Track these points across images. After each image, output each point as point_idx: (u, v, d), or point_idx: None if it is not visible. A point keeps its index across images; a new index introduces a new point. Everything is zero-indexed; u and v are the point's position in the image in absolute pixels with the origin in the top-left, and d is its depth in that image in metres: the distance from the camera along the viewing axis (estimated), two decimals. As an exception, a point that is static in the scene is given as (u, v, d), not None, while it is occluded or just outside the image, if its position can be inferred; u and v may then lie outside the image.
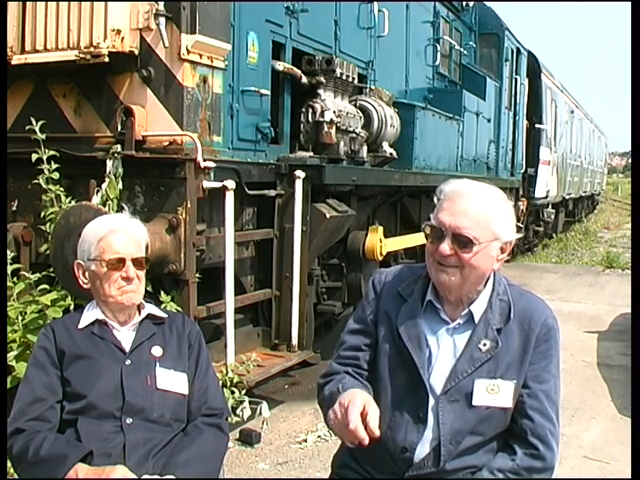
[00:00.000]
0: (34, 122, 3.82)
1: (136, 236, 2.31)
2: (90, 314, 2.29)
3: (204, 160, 3.94)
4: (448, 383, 1.94)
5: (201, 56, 4.02)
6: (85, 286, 2.31)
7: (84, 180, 3.96)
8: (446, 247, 1.90)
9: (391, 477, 1.99)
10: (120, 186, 3.86)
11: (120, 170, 3.86)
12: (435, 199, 1.98)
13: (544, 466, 1.95)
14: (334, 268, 5.80)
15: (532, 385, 1.97)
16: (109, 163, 3.85)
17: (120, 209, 3.75)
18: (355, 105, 6.00)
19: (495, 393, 1.94)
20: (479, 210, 1.90)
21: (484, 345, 1.95)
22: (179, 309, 3.80)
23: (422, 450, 1.95)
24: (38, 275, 3.71)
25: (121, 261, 2.23)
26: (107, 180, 3.82)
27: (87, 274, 2.28)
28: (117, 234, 2.26)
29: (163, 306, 3.59)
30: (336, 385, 1.99)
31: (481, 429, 1.95)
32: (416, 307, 2.02)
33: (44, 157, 3.83)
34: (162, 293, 3.82)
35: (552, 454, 1.96)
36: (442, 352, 1.98)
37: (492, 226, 1.91)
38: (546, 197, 14.30)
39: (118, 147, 3.89)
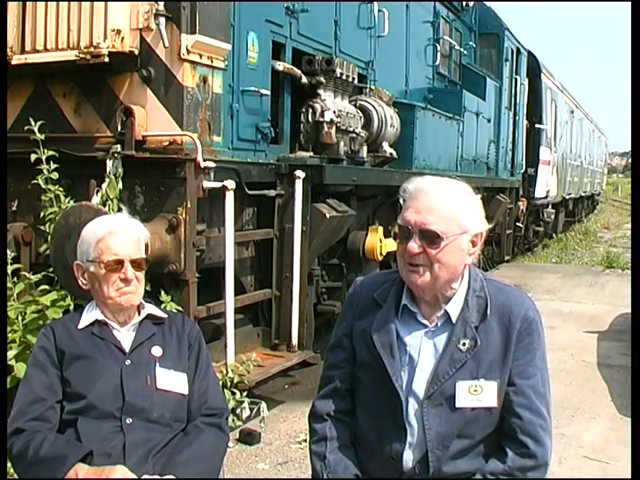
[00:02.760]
0: (33, 122, 3.82)
1: (135, 237, 2.30)
2: (90, 314, 2.29)
3: (204, 160, 3.94)
4: (431, 387, 1.91)
5: (201, 56, 4.01)
6: (84, 287, 2.31)
7: (84, 180, 3.96)
8: (414, 245, 1.87)
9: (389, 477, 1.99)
10: (120, 186, 3.86)
11: (120, 170, 3.86)
12: (400, 199, 1.96)
13: (536, 464, 1.91)
14: (334, 268, 5.80)
15: (518, 382, 1.93)
16: (109, 163, 3.85)
17: (119, 210, 3.75)
18: (355, 105, 6.00)
19: (478, 394, 1.90)
20: (444, 204, 1.88)
21: (463, 345, 1.91)
22: (179, 309, 3.81)
23: (409, 458, 1.93)
24: (39, 276, 3.71)
25: (119, 262, 2.22)
26: (107, 180, 3.82)
27: (86, 275, 2.28)
28: (115, 235, 2.25)
29: (163, 306, 3.58)
30: (320, 465, 2.00)
31: (469, 432, 1.92)
32: (390, 313, 1.99)
33: (43, 157, 3.83)
34: (162, 293, 3.82)
35: (544, 450, 1.92)
36: (423, 356, 1.94)
37: (459, 219, 1.88)
38: (546, 197, 14.31)
39: (118, 147, 3.89)
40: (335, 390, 2.07)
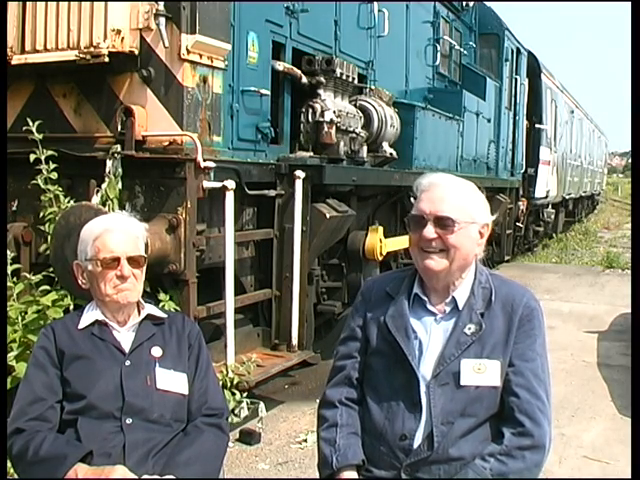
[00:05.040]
0: (30, 122, 3.83)
1: (132, 234, 2.30)
2: (90, 315, 2.29)
3: (204, 160, 3.94)
4: (437, 368, 2.02)
5: (201, 56, 4.02)
6: (84, 286, 2.31)
7: (84, 180, 3.96)
8: (430, 229, 2.03)
9: (389, 470, 2.02)
10: (120, 186, 3.86)
11: (120, 170, 3.86)
12: (413, 194, 2.13)
13: (533, 443, 1.97)
14: (334, 268, 5.80)
15: (517, 363, 2.02)
16: (109, 163, 3.85)
17: (122, 208, 3.75)
18: (355, 105, 6.00)
19: (482, 372, 2.00)
20: (456, 196, 2.06)
21: (469, 329, 2.04)
22: (177, 308, 3.80)
23: (420, 436, 2.00)
24: (39, 276, 3.71)
25: (115, 260, 2.23)
26: (107, 180, 3.82)
27: (85, 274, 2.29)
28: (112, 233, 2.26)
29: (161, 305, 3.58)
30: (330, 449, 2.06)
31: (473, 410, 2.00)
32: (403, 301, 2.12)
33: (42, 157, 3.83)
34: (161, 293, 3.82)
35: (541, 431, 1.98)
36: (431, 340, 2.06)
37: (469, 209, 2.06)
38: (546, 197, 14.30)
39: (118, 147, 3.89)
40: (346, 378, 2.17)
